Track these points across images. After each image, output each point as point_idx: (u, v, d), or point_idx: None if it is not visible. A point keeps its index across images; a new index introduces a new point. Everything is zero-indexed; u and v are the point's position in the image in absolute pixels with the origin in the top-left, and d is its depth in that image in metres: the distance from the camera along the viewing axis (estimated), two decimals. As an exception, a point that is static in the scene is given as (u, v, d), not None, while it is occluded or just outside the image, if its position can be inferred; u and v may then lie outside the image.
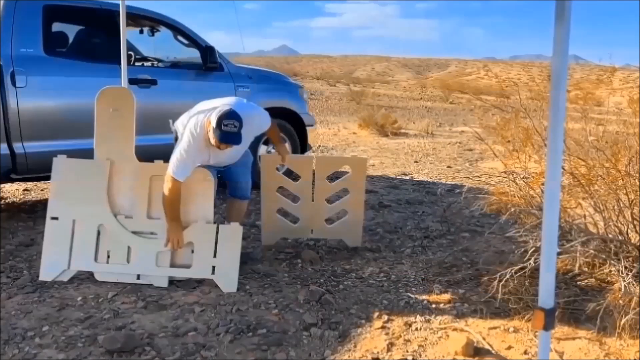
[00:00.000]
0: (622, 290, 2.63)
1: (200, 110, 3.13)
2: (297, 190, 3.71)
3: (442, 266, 3.45)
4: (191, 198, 3.16)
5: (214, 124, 2.88)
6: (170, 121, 3.39)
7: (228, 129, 2.86)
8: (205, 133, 2.99)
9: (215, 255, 3.05)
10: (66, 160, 3.22)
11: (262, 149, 4.88)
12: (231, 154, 3.21)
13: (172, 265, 3.08)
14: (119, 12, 3.70)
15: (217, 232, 3.08)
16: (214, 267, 3.04)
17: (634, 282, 2.66)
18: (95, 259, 3.06)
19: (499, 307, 2.80)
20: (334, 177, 3.78)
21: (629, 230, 3.02)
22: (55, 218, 3.10)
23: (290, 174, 3.88)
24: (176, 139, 3.25)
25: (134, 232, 3.11)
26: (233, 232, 3.09)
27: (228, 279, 3.01)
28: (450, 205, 4.84)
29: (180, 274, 3.07)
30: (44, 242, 3.06)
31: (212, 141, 2.95)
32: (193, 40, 4.93)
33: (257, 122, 3.28)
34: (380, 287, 3.12)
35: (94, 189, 3.14)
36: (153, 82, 4.51)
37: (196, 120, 3.05)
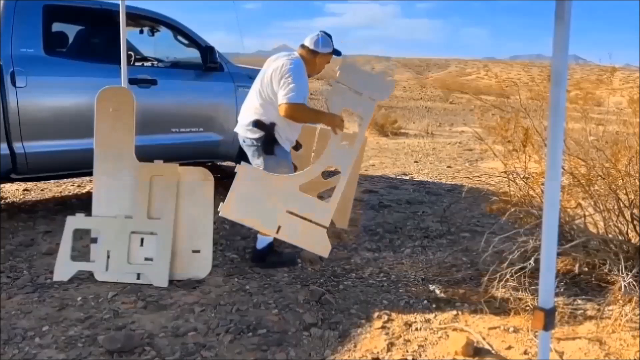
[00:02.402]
0: (622, 290, 2.63)
1: (264, 74, 3.35)
2: (296, 161, 3.68)
3: (442, 266, 3.45)
4: (191, 198, 3.16)
5: (320, 37, 3.37)
6: (249, 123, 3.38)
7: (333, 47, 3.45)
8: (306, 67, 3.33)
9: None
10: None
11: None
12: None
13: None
14: (119, 12, 3.70)
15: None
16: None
17: (634, 282, 2.66)
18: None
19: (499, 307, 2.80)
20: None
21: (629, 230, 3.02)
22: None
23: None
24: (265, 126, 3.30)
25: (134, 232, 3.11)
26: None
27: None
28: (450, 205, 4.84)
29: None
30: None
31: (323, 60, 3.42)
32: (193, 40, 4.93)
33: None
34: (380, 287, 3.12)
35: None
36: (153, 82, 4.50)
37: (280, 64, 3.26)
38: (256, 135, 3.32)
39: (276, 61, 3.33)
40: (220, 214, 3.08)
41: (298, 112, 3.17)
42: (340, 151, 3.25)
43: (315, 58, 3.39)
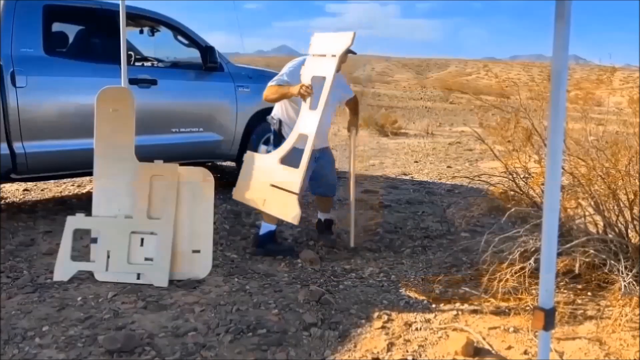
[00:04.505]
0: (622, 290, 2.63)
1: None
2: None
3: (442, 266, 3.45)
4: (191, 198, 3.16)
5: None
6: (268, 117, 3.70)
7: None
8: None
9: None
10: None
11: (262, 148, 4.89)
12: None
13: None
14: (118, 12, 3.70)
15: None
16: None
17: (634, 282, 2.66)
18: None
19: (499, 307, 2.80)
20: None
21: (629, 230, 3.02)
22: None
23: None
24: (276, 129, 3.58)
25: (134, 232, 3.11)
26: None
27: None
28: (450, 205, 4.84)
29: None
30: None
31: None
32: (193, 40, 4.93)
33: (345, 83, 3.86)
34: (380, 287, 3.12)
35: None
36: (153, 82, 4.50)
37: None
38: (272, 128, 3.67)
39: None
40: (233, 197, 3.49)
41: (266, 92, 3.51)
42: (308, 116, 3.32)
43: None
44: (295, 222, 3.24)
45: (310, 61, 3.43)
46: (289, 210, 3.21)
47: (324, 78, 3.28)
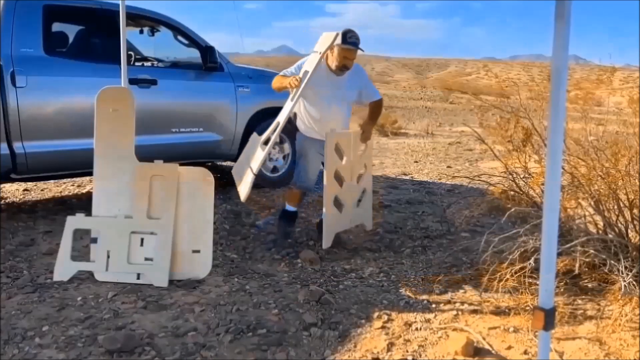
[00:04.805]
0: (622, 290, 2.63)
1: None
2: (344, 171, 3.74)
3: (442, 266, 3.44)
4: (191, 198, 3.17)
5: (339, 39, 3.48)
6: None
7: (352, 39, 3.51)
8: (326, 62, 3.61)
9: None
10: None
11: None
12: (341, 89, 3.66)
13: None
14: (119, 12, 3.70)
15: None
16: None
17: (634, 282, 2.67)
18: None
19: (499, 307, 2.80)
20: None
21: (629, 230, 3.02)
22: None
23: None
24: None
25: (134, 232, 3.11)
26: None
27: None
28: (450, 205, 4.84)
29: None
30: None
31: (336, 52, 3.51)
32: (193, 40, 4.93)
33: (367, 83, 3.86)
34: (380, 287, 3.11)
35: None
36: (153, 82, 4.50)
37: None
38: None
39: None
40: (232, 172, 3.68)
41: (273, 81, 3.72)
42: (285, 106, 3.61)
43: (333, 49, 3.59)
44: (241, 197, 3.46)
45: (310, 57, 3.63)
46: (242, 186, 3.45)
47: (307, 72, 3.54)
